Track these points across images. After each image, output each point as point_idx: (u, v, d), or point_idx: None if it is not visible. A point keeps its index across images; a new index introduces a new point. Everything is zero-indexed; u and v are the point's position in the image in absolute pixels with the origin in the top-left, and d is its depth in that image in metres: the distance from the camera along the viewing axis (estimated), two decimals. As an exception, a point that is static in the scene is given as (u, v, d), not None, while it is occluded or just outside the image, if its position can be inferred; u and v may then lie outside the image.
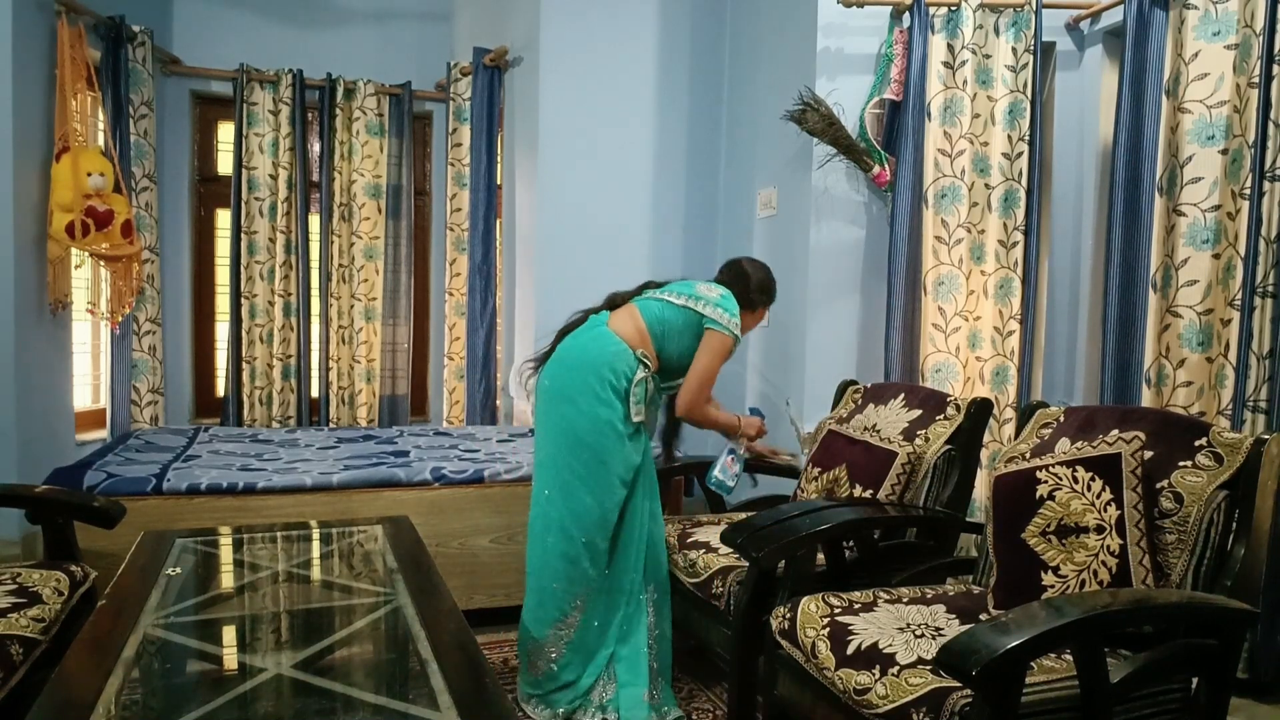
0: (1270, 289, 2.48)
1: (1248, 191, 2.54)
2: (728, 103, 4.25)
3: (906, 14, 3.25)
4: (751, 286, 2.58)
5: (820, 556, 2.23)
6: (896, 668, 1.63)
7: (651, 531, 2.44)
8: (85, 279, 4.01)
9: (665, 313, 2.45)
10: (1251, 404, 2.49)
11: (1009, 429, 3.20)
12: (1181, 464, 1.81)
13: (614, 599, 2.38)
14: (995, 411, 3.11)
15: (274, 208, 4.56)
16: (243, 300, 4.54)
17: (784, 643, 1.93)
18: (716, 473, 2.61)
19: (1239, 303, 2.54)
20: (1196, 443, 1.82)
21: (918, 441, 2.45)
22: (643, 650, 2.38)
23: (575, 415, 2.36)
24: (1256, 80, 2.52)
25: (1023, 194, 3.21)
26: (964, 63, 3.22)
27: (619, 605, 2.38)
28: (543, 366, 2.51)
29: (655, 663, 2.40)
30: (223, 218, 4.75)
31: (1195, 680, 1.70)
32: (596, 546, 2.34)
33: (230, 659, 1.67)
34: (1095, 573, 1.78)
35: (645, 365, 2.41)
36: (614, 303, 2.55)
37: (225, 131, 4.75)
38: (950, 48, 3.23)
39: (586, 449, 2.34)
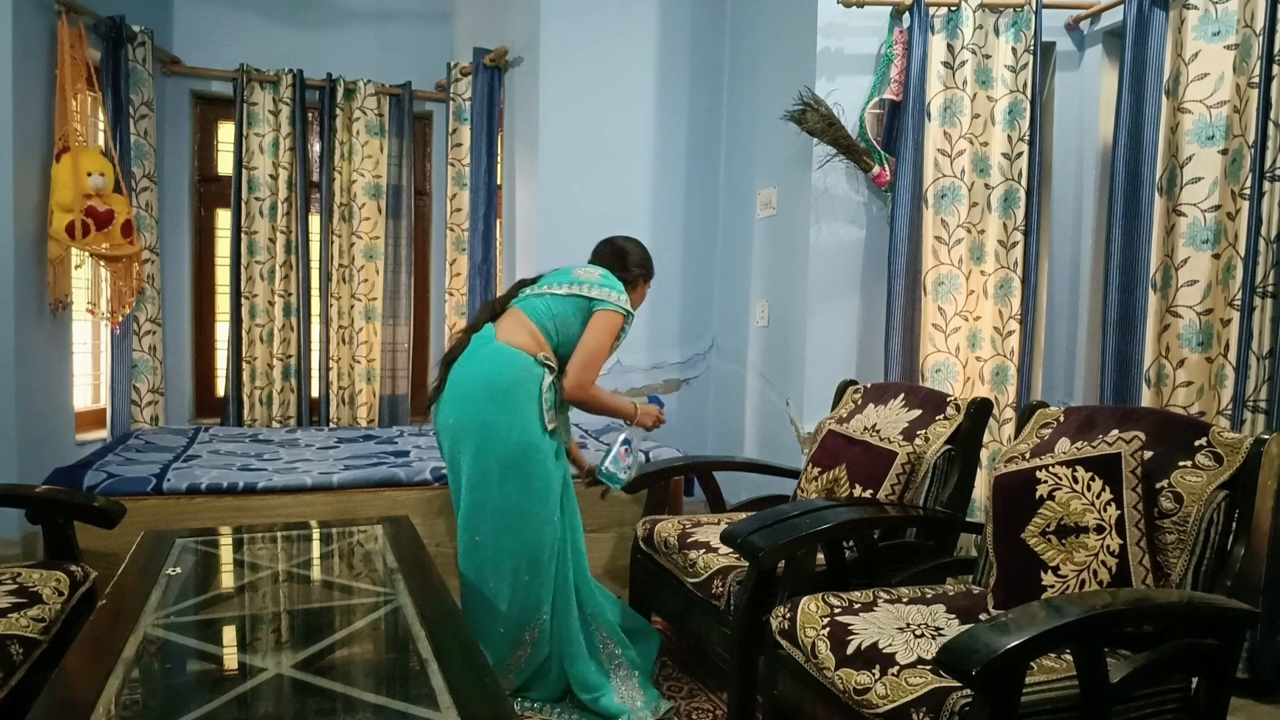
0: (1270, 289, 2.48)
1: (1248, 191, 2.54)
2: (728, 103, 4.25)
3: (906, 14, 3.25)
4: (630, 262, 2.58)
5: (820, 556, 2.23)
6: (896, 667, 1.63)
7: (570, 528, 2.43)
8: (85, 279, 4.01)
9: (553, 307, 2.41)
10: (1251, 404, 2.49)
11: (1009, 429, 3.20)
12: (1181, 464, 1.81)
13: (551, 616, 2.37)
14: (995, 411, 3.11)
15: (274, 208, 4.56)
16: (243, 300, 4.54)
17: (784, 642, 1.93)
18: (607, 463, 2.51)
19: (1239, 303, 2.54)
20: (1196, 443, 1.82)
21: (917, 441, 2.45)
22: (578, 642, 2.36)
23: (493, 445, 2.28)
24: (1256, 80, 2.52)
25: (1022, 194, 3.21)
26: (964, 63, 3.22)
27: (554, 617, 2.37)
28: (437, 402, 2.43)
29: (612, 653, 2.40)
30: (223, 218, 4.75)
31: (1195, 680, 1.70)
32: (544, 569, 2.32)
33: (230, 659, 1.67)
34: (1095, 573, 1.78)
35: (549, 368, 2.36)
36: (495, 312, 2.49)
37: (225, 131, 4.75)
38: (950, 48, 3.23)
39: (516, 476, 2.29)
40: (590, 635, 2.41)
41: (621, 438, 2.54)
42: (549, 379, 2.34)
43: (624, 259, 2.58)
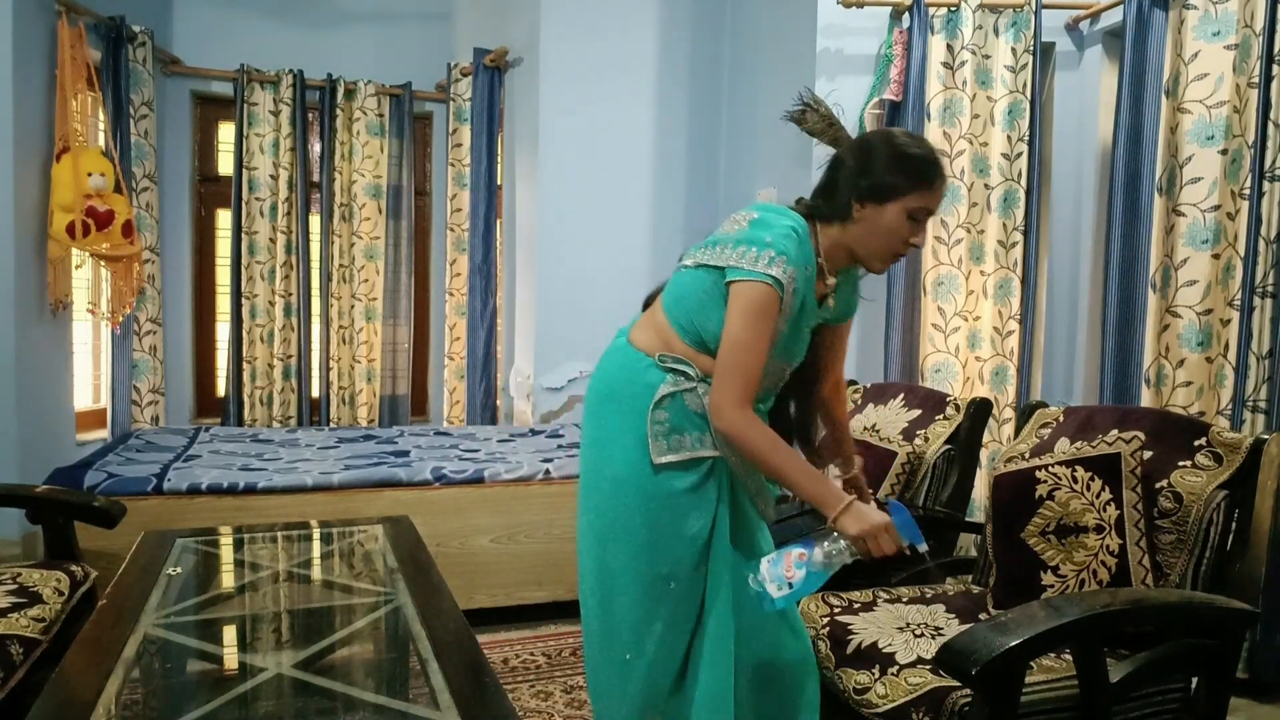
0: (1269, 289, 2.48)
1: (1247, 191, 2.54)
2: (728, 103, 4.25)
3: (906, 14, 3.25)
4: (831, 176, 1.66)
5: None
6: (896, 667, 1.63)
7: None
8: (86, 279, 4.01)
9: (682, 285, 1.67)
10: (1251, 404, 2.49)
11: (1008, 429, 3.20)
12: (1181, 464, 1.81)
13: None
14: (995, 411, 3.11)
15: (274, 208, 4.57)
16: (243, 300, 4.54)
17: (784, 642, 1.93)
18: (765, 560, 1.52)
19: (1238, 303, 2.54)
20: (1196, 443, 1.82)
21: (917, 441, 2.45)
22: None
23: (594, 474, 1.67)
24: (1256, 80, 2.52)
25: (1022, 194, 3.21)
26: (963, 63, 3.22)
27: None
28: None
29: None
30: (223, 218, 4.75)
31: (1195, 680, 1.70)
32: (632, 675, 1.59)
33: (231, 659, 1.67)
34: (1095, 572, 1.78)
35: (675, 373, 1.61)
36: (649, 299, 1.81)
37: (226, 132, 4.75)
38: (950, 48, 3.23)
39: (615, 520, 1.61)
40: None
41: (807, 539, 1.53)
42: (665, 388, 1.59)
43: (831, 172, 1.67)
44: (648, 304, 1.79)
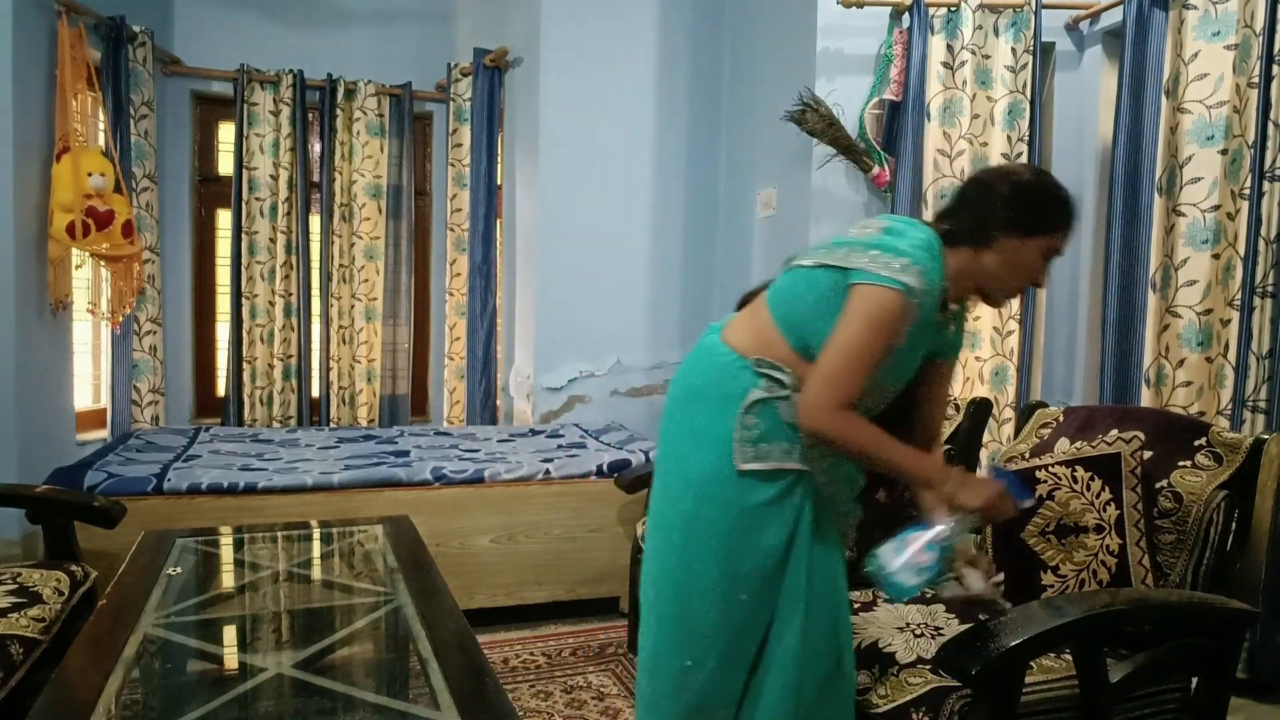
0: (1269, 289, 2.48)
1: (1247, 191, 2.54)
2: (728, 103, 4.25)
3: (906, 14, 3.25)
4: (978, 200, 1.56)
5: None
6: (896, 667, 1.63)
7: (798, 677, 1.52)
8: (86, 279, 4.01)
9: (796, 286, 1.56)
10: (1251, 404, 2.49)
11: (1008, 429, 3.20)
12: (1181, 464, 1.81)
13: None
14: (995, 411, 3.11)
15: (274, 208, 4.57)
16: (243, 300, 4.54)
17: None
18: (888, 558, 1.50)
19: (1238, 303, 2.54)
20: (1196, 443, 1.82)
21: (917, 441, 2.44)
22: None
23: (677, 469, 1.60)
24: (1256, 80, 2.53)
25: (1022, 194, 3.21)
26: (963, 63, 3.22)
27: None
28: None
29: None
30: (223, 218, 4.75)
31: (1195, 680, 1.70)
32: (690, 656, 1.53)
33: (231, 659, 1.67)
34: (1095, 572, 1.78)
35: (770, 379, 1.52)
36: (744, 299, 1.70)
37: (226, 132, 4.75)
38: (950, 48, 3.23)
39: (689, 522, 1.55)
40: None
41: (921, 524, 1.53)
42: (756, 393, 1.51)
43: (968, 196, 1.58)
44: (743, 303, 1.69)
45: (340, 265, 4.75)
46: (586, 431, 3.79)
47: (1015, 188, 1.54)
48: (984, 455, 2.43)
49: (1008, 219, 1.52)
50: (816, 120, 3.30)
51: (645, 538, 1.67)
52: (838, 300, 1.47)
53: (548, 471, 3.11)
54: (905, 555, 1.48)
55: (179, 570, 2.02)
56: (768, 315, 1.57)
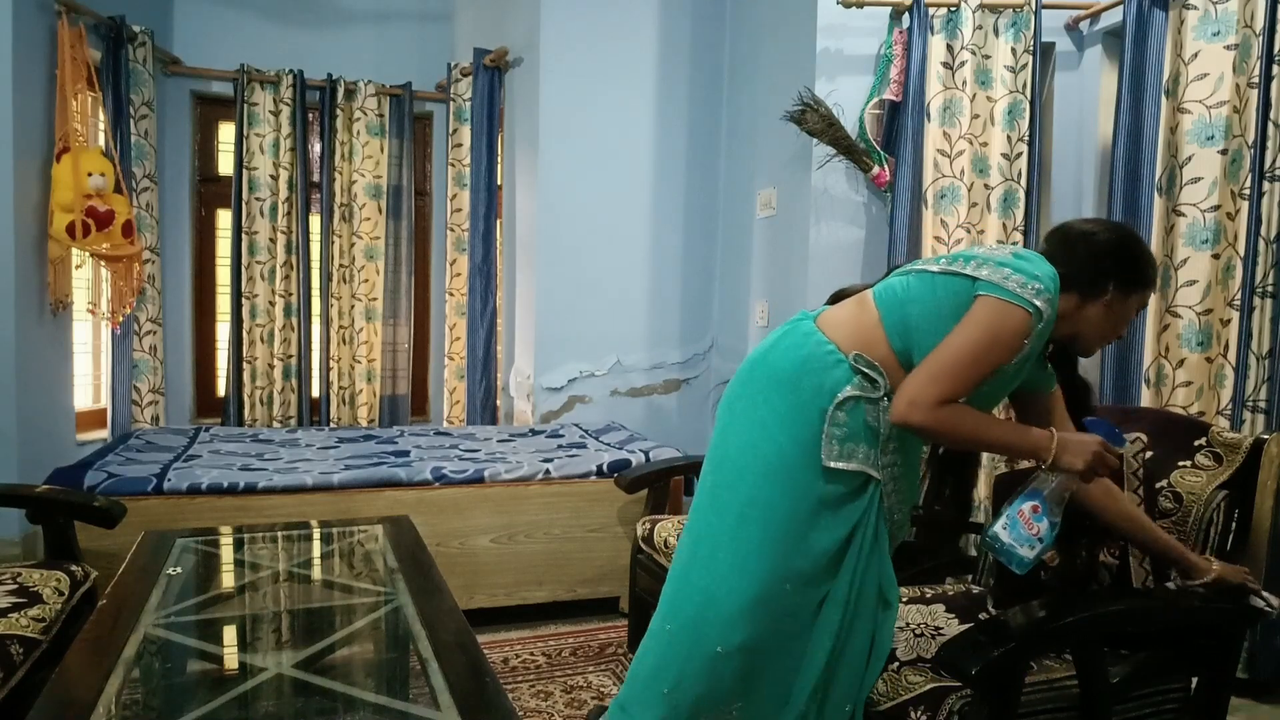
0: (1269, 289, 2.48)
1: (1247, 192, 2.54)
2: (728, 103, 4.25)
3: (906, 14, 3.25)
4: (1087, 253, 1.58)
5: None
6: (896, 665, 1.63)
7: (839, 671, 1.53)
8: (86, 279, 4.01)
9: (913, 289, 1.55)
10: (1251, 404, 2.49)
11: (1009, 429, 3.20)
12: (1181, 464, 1.81)
13: None
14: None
15: (275, 208, 4.57)
16: (243, 300, 4.54)
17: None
18: (999, 528, 1.53)
19: (1238, 303, 2.54)
20: (1196, 443, 1.83)
21: (917, 441, 2.44)
22: None
23: (754, 447, 1.56)
24: (1256, 80, 2.53)
25: (1022, 194, 3.21)
26: (963, 63, 3.22)
27: None
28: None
29: None
30: (223, 218, 4.76)
31: (1195, 680, 1.70)
32: (734, 650, 1.51)
33: (231, 658, 1.67)
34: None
35: (864, 376, 1.51)
36: (842, 294, 1.71)
37: (226, 132, 4.76)
38: (950, 48, 3.23)
39: (758, 499, 1.53)
40: None
41: (1029, 488, 1.54)
42: (849, 390, 1.50)
43: (1076, 247, 1.59)
44: (836, 298, 1.70)
45: (340, 265, 4.75)
46: (586, 431, 3.79)
47: (1125, 246, 1.60)
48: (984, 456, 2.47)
49: (1118, 275, 1.58)
50: (816, 120, 3.30)
51: (686, 521, 1.67)
52: (957, 308, 1.48)
53: (548, 471, 3.11)
54: (1019, 529, 1.51)
55: (179, 570, 2.02)
56: (875, 314, 1.56)
